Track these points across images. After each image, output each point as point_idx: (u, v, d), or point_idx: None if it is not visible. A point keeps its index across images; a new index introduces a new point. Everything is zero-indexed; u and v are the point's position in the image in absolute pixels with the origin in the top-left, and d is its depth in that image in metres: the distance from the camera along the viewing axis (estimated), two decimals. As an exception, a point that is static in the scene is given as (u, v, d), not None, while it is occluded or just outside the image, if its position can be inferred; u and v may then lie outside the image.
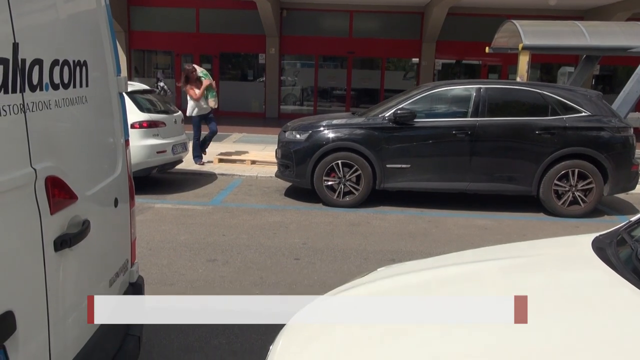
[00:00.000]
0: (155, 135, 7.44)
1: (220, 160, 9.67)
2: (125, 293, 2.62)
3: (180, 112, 8.39)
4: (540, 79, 17.67)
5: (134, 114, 7.25)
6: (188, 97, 9.10)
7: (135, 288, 2.71)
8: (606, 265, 2.10)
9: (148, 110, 7.55)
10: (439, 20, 15.92)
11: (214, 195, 7.52)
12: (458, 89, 7.34)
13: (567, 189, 6.87)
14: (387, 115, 7.02)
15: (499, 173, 6.92)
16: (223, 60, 18.02)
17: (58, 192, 1.92)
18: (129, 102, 7.24)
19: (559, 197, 6.91)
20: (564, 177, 6.87)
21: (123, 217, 2.63)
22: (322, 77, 18.07)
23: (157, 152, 7.43)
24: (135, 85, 8.05)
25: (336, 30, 17.50)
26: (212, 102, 9.06)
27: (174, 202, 7.10)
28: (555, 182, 6.85)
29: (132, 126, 7.16)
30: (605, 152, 6.81)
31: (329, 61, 18.31)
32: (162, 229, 5.91)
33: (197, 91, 8.92)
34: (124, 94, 2.72)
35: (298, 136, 7.19)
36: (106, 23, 2.55)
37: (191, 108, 9.04)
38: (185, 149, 8.20)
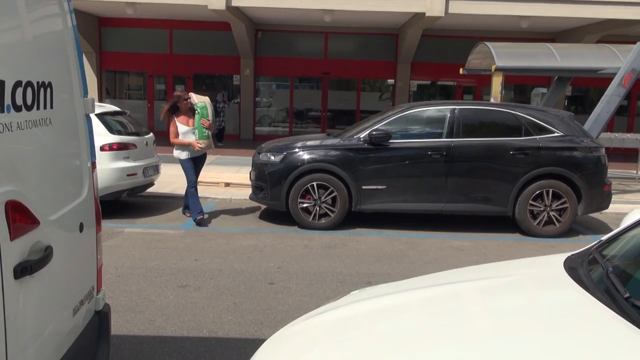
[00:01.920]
0: (126, 158, 7.37)
1: (194, 183, 9.59)
2: (90, 322, 2.56)
3: (152, 134, 8.33)
4: (514, 99, 18.06)
5: (103, 136, 7.17)
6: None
7: (101, 316, 2.65)
8: (578, 286, 2.14)
9: (118, 132, 7.48)
10: (414, 41, 16.22)
11: (186, 219, 7.45)
12: (432, 109, 7.45)
13: (542, 209, 6.99)
14: (362, 136, 7.08)
15: (475, 193, 7.01)
16: (197, 81, 18.02)
17: (19, 217, 1.88)
18: (98, 124, 7.17)
19: (535, 217, 7.02)
20: (539, 197, 7.00)
21: (89, 242, 2.58)
22: (298, 98, 18.19)
23: (128, 175, 7.35)
24: (106, 107, 7.98)
25: (311, 52, 17.69)
26: (202, 144, 6.97)
27: (145, 226, 7.00)
28: (530, 202, 6.97)
29: (102, 148, 7.08)
30: (579, 172, 6.97)
31: (305, 82, 18.46)
32: (132, 254, 5.82)
33: (181, 127, 6.95)
34: (91, 115, 2.70)
35: (273, 158, 7.19)
36: (73, 44, 2.54)
37: (179, 150, 7.05)
38: (157, 171, 8.13)
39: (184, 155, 7.02)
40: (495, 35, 16.31)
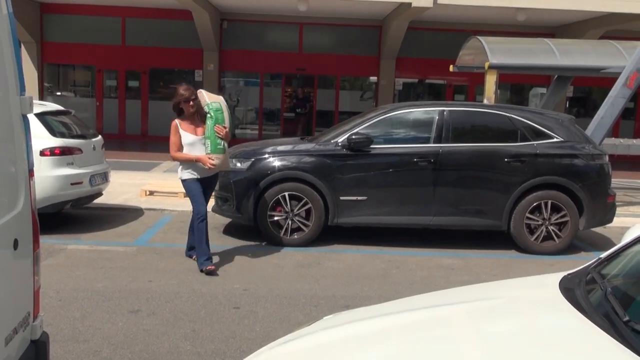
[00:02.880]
0: (70, 164, 7.29)
1: (148, 193, 9.53)
2: (26, 352, 2.53)
3: (100, 137, 8.26)
4: (511, 100, 18.37)
5: (44, 139, 7.09)
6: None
7: (38, 346, 2.62)
8: (574, 309, 2.19)
9: (62, 135, 7.40)
10: (399, 34, 16.41)
11: (139, 234, 7.38)
12: (419, 111, 7.54)
13: (540, 222, 7.11)
14: (340, 140, 7.13)
15: (466, 206, 7.10)
16: (153, 77, 17.93)
17: (-58, 233, 1.86)
18: (38, 125, 7.08)
19: (532, 231, 7.14)
20: (537, 209, 7.12)
21: (24, 261, 2.55)
22: (269, 97, 18.22)
23: (72, 184, 7.27)
24: (47, 106, 7.89)
25: (284, 45, 17.77)
26: (216, 160, 5.86)
27: (91, 242, 6.93)
28: (527, 215, 7.09)
29: (42, 153, 7.00)
30: (580, 182, 7.12)
31: (277, 79, 18.52)
32: (76, 274, 5.75)
33: (186, 135, 5.89)
34: (29, 115, 2.68)
35: (239, 165, 7.19)
36: (8, 34, 2.52)
37: (183, 168, 6.00)
38: (106, 179, 8.05)
39: (188, 174, 5.91)
40: (489, 29, 16.61)
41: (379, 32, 17.72)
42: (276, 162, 7.11)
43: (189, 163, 5.92)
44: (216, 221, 8.18)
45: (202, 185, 5.95)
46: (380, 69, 17.83)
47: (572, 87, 17.02)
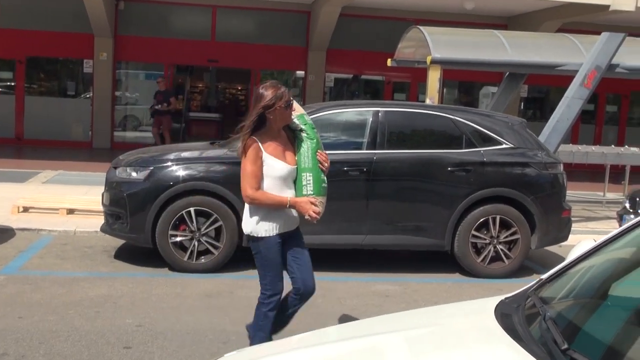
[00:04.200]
0: None
1: (22, 210, 9.24)
2: None
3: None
4: (459, 100, 18.95)
5: None
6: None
7: None
8: (510, 338, 2.29)
9: None
10: (330, 22, 16.63)
11: (8, 259, 7.16)
12: (350, 112, 7.67)
13: (487, 241, 7.36)
14: (257, 146, 7.14)
15: (404, 222, 7.26)
16: (31, 67, 17.41)
17: None
18: None
19: (478, 252, 7.37)
20: (484, 226, 7.36)
21: None
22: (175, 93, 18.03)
23: None
24: None
25: (194, 32, 17.65)
26: (322, 205, 4.54)
27: (-53, 271, 6.65)
28: (473, 232, 7.31)
29: None
30: (532, 195, 7.41)
31: (185, 72, 18.36)
32: None
33: (276, 163, 4.40)
34: None
35: (134, 174, 7.10)
36: None
37: (257, 217, 4.46)
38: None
39: (268, 229, 4.45)
40: (433, 17, 17.08)
41: (307, 19, 17.89)
42: (180, 172, 7.05)
43: (273, 210, 4.43)
44: (106, 243, 8.02)
45: (282, 244, 4.54)
46: (308, 62, 17.99)
47: (526, 86, 17.72)
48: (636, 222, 2.86)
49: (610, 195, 12.21)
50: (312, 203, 4.41)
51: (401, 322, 2.75)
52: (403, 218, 7.25)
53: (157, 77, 16.82)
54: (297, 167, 4.46)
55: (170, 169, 7.08)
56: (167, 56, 17.65)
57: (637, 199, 8.37)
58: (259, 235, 4.44)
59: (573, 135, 17.15)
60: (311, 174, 4.44)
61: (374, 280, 7.12)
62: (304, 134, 4.49)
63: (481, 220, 7.31)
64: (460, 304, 2.95)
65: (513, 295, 2.71)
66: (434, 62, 10.23)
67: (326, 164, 4.54)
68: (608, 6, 14.13)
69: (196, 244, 7.01)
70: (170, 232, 6.96)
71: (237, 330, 5.44)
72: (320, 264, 7.51)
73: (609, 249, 2.86)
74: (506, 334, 2.31)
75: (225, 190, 6.99)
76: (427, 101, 10.53)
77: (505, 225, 7.38)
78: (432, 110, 7.82)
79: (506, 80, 11.80)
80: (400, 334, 2.52)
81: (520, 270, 7.53)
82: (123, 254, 7.66)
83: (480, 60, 10.52)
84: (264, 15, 17.77)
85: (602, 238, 2.95)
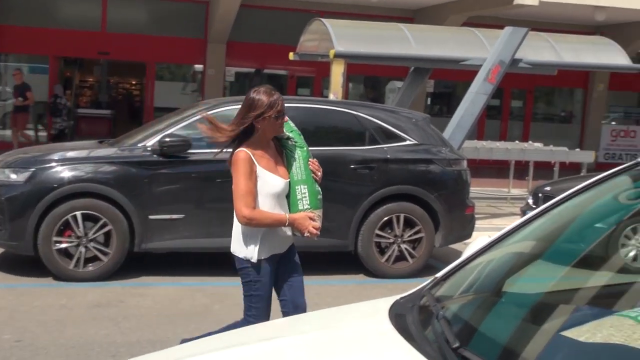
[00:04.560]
0: None
1: None
2: None
3: None
4: (365, 96, 19.23)
5: None
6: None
7: None
8: (403, 339, 2.35)
9: None
10: (230, 13, 16.53)
11: None
12: (250, 108, 7.65)
13: (391, 240, 7.51)
14: (150, 144, 7.07)
15: (306, 222, 7.31)
16: None
17: None
18: None
19: (382, 251, 7.52)
20: (388, 225, 7.51)
21: None
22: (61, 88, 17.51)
23: None
24: None
25: (82, 22, 17.19)
26: (320, 219, 4.29)
27: None
28: (377, 232, 7.45)
29: None
30: (436, 192, 7.62)
31: (72, 65, 17.84)
32: None
33: (270, 177, 4.14)
34: None
35: (13, 176, 6.90)
36: None
37: (250, 238, 4.20)
38: None
39: (262, 251, 4.18)
40: (338, 10, 17.26)
41: (205, 10, 17.72)
42: (65, 173, 6.89)
43: (268, 230, 4.17)
44: (-17, 252, 7.72)
45: (273, 267, 4.29)
46: (207, 55, 17.82)
47: (432, 81, 18.18)
48: (532, 215, 2.98)
49: (515, 192, 12.72)
50: (310, 218, 4.16)
51: (293, 326, 2.78)
52: (306, 218, 7.29)
53: (40, 71, 16.30)
54: (289, 180, 4.21)
55: (54, 170, 6.89)
56: (53, 48, 17.08)
57: (540, 195, 8.73)
58: (254, 260, 4.15)
59: (479, 131, 17.73)
60: (306, 186, 4.21)
61: (275, 284, 7.14)
62: (291, 143, 4.26)
63: (385, 219, 7.46)
64: (356, 305, 3.00)
65: (408, 295, 2.78)
66: (337, 56, 10.36)
67: (319, 173, 4.33)
68: (512, 0, 14.69)
69: (83, 250, 6.84)
70: (54, 239, 6.77)
71: (128, 341, 5.37)
72: (219, 269, 7.49)
73: (506, 244, 2.96)
74: (399, 335, 2.36)
75: (114, 192, 6.86)
76: (331, 96, 10.66)
77: (409, 223, 7.56)
78: (335, 106, 7.93)
79: (411, 75, 12.08)
80: (289, 339, 2.54)
81: (425, 269, 7.72)
82: (2, 264, 7.40)
83: (384, 54, 10.74)
84: (160, 4, 17.49)
85: (497, 233, 3.07)
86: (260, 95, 4.05)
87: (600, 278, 3.15)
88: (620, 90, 20.67)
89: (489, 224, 10.31)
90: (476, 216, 8.42)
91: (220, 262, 7.70)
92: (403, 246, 7.53)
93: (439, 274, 2.87)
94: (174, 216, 7.01)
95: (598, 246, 3.26)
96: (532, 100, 20.43)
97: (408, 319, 2.52)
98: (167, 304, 6.34)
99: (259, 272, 4.18)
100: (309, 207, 4.18)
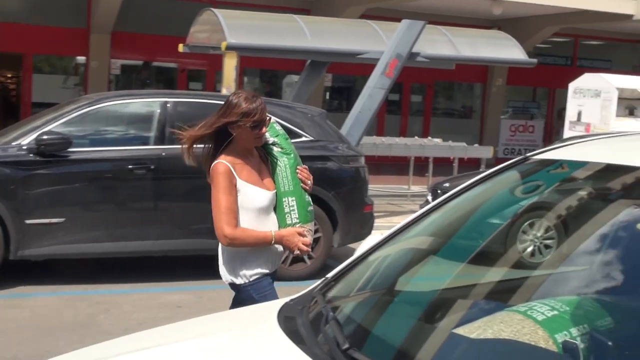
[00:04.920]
0: None
1: None
2: None
3: None
4: (262, 90, 19.20)
5: None
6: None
7: None
8: (292, 342, 2.37)
9: None
10: (114, 1, 16.17)
11: None
12: (136, 103, 7.59)
13: (288, 241, 7.54)
14: (26, 142, 6.90)
15: (198, 224, 7.24)
16: None
17: None
18: None
19: (279, 253, 7.54)
20: (284, 225, 7.53)
21: None
22: None
23: None
24: None
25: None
26: (310, 234, 4.12)
27: None
28: (273, 232, 7.46)
29: None
30: (333, 190, 7.71)
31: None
32: None
33: (253, 190, 3.88)
34: None
35: None
36: None
37: (239, 257, 3.97)
38: None
39: (252, 271, 3.94)
40: (233, 1, 17.16)
41: (87, -3, 17.30)
42: None
43: (258, 250, 3.92)
44: None
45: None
46: (90, 46, 17.35)
47: (330, 75, 18.36)
48: (426, 210, 3.06)
49: (415, 189, 12.99)
50: (299, 234, 3.91)
51: (181, 332, 2.76)
52: (197, 220, 7.23)
53: None
54: (276, 192, 3.95)
55: None
56: None
57: (439, 192, 8.97)
58: (245, 282, 3.91)
59: (378, 127, 18.05)
60: (294, 198, 3.95)
61: (164, 290, 7.09)
62: (277, 149, 3.98)
63: (281, 219, 7.48)
64: (244, 309, 3.02)
65: (298, 297, 2.80)
66: (229, 48, 10.32)
67: (310, 182, 4.10)
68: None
69: (-51, 260, 6.57)
70: None
71: (4, 357, 5.23)
72: (105, 275, 7.35)
73: (400, 239, 3.03)
74: (287, 339, 2.38)
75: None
76: (224, 91, 10.61)
77: (305, 222, 7.60)
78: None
79: (307, 69, 12.15)
80: (174, 346, 2.52)
81: (324, 270, 7.71)
82: None
83: (278, 46, 10.78)
84: (35, -9, 16.93)
85: (389, 230, 3.14)
86: (239, 99, 3.76)
87: (496, 274, 3.25)
88: (517, 84, 21.49)
89: (389, 222, 10.50)
90: (375, 214, 8.58)
91: (108, 266, 7.57)
92: (300, 246, 7.57)
93: (330, 274, 2.91)
94: (53, 220, 6.83)
95: (495, 241, 3.37)
96: (431, 95, 20.97)
97: (298, 322, 2.54)
98: (46, 316, 6.19)
99: (255, 294, 3.92)
100: (297, 221, 3.93)
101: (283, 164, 3.96)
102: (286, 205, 3.93)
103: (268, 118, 3.85)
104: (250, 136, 3.80)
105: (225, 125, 3.75)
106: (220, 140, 3.84)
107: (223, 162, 3.78)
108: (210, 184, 3.87)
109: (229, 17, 10.90)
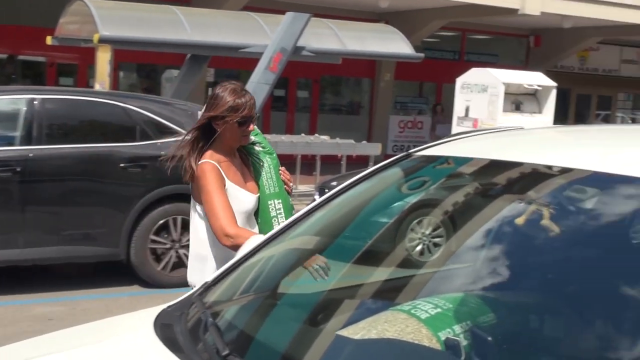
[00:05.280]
0: None
1: None
2: None
3: None
4: (138, 86, 18.88)
5: None
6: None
7: None
8: (169, 351, 2.36)
9: None
10: (-26, -11, 15.58)
11: None
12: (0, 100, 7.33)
13: (168, 246, 7.50)
14: None
15: (70, 230, 7.13)
16: None
17: None
18: None
19: (159, 258, 7.47)
20: (164, 229, 7.47)
21: None
22: None
23: None
24: None
25: None
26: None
27: None
28: (152, 237, 7.40)
29: None
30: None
31: None
32: None
33: (239, 193, 3.72)
34: None
35: None
36: None
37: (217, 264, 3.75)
38: None
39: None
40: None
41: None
42: None
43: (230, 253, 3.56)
44: None
45: None
46: (-53, 38, 16.66)
47: (212, 69, 18.23)
48: (311, 208, 3.08)
49: (302, 188, 13.09)
50: None
51: (48, 343, 2.70)
52: (68, 225, 7.12)
53: None
54: (259, 195, 3.79)
55: None
56: None
57: (327, 191, 9.07)
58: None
59: (264, 124, 18.06)
60: (280, 200, 3.81)
61: (34, 302, 6.90)
62: (258, 148, 3.87)
63: (160, 222, 7.44)
64: (119, 317, 2.96)
65: (176, 303, 2.78)
66: (102, 40, 10.12)
67: (291, 184, 4.00)
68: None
69: None
70: None
71: None
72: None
73: (283, 240, 3.05)
74: (164, 346, 2.36)
75: None
76: (97, 87, 10.39)
77: (187, 226, 7.54)
78: (101, 98, 7.80)
79: (188, 63, 12.06)
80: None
81: (206, 275, 7.78)
82: None
83: (155, 40, 10.66)
84: None
85: (273, 230, 3.14)
86: (225, 93, 3.61)
87: (383, 273, 3.31)
88: (405, 79, 21.96)
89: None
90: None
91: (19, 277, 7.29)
92: (181, 251, 7.51)
93: (209, 278, 2.90)
94: None
95: (383, 240, 3.44)
96: (318, 90, 21.13)
97: (175, 329, 2.52)
98: None
99: None
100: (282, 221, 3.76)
101: (267, 164, 3.85)
102: (272, 209, 3.80)
103: (257, 115, 3.73)
104: (236, 134, 3.66)
105: (209, 121, 3.61)
106: (204, 138, 3.69)
107: (209, 162, 3.62)
108: (188, 182, 3.78)
109: (101, 7, 10.68)
